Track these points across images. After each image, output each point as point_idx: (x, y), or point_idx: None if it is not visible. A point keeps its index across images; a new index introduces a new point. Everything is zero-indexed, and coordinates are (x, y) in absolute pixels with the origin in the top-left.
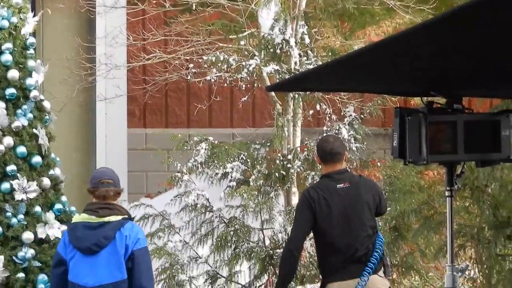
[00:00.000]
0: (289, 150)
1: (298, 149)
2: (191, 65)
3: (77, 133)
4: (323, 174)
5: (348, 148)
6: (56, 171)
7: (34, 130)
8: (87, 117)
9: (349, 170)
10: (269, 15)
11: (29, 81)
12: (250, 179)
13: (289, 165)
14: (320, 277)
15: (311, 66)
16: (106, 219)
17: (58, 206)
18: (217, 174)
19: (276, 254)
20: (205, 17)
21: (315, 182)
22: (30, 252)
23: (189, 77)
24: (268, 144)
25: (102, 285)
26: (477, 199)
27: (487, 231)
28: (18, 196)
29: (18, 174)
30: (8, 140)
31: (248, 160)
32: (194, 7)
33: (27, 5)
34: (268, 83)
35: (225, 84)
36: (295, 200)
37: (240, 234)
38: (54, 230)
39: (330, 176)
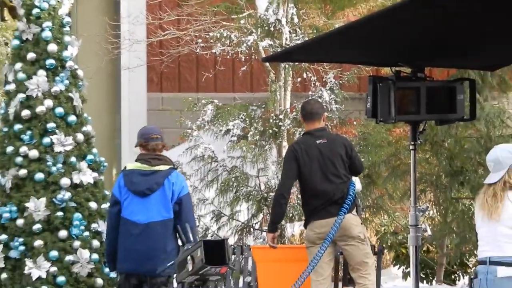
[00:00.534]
0: (281, 111)
1: (288, 110)
2: (200, 40)
3: (105, 96)
4: (305, 132)
5: (329, 109)
6: (88, 128)
7: (70, 94)
8: (113, 83)
9: (328, 129)
10: None
11: (65, 53)
12: (248, 135)
13: (280, 123)
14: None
15: (299, 41)
16: (157, 168)
17: (90, 157)
18: (221, 130)
19: (270, 197)
20: (211, 0)
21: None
22: (67, 195)
23: (198, 50)
24: (263, 106)
25: (151, 222)
26: (435, 152)
27: (444, 178)
28: (57, 148)
29: (56, 131)
30: (48, 102)
31: (247, 119)
32: None
33: None
34: (263, 55)
35: (228, 56)
36: (285, 152)
37: (240, 180)
38: (87, 176)
39: (310, 133)
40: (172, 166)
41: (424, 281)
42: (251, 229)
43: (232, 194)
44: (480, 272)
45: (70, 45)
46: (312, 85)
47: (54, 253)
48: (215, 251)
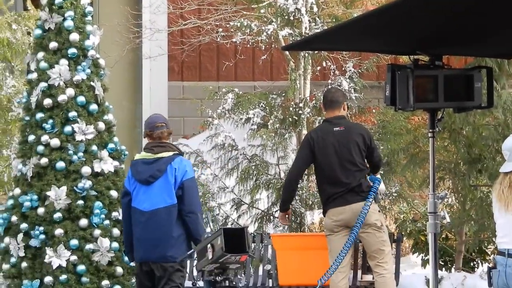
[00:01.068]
0: (300, 99)
1: (308, 98)
2: (220, 29)
3: (126, 85)
4: (324, 119)
5: (348, 98)
6: (109, 117)
7: (91, 83)
8: (134, 72)
9: (347, 118)
10: None
11: (87, 43)
12: (268, 123)
13: (300, 112)
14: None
15: (318, 30)
16: (160, 155)
17: (111, 145)
18: (241, 119)
19: None
20: None
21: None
22: (88, 183)
23: (218, 39)
24: (283, 94)
25: (156, 209)
26: (454, 140)
27: (462, 166)
28: (78, 137)
29: (78, 119)
30: (70, 91)
31: (267, 107)
32: None
33: None
34: (283, 44)
35: (248, 45)
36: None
37: (260, 168)
38: (108, 165)
39: (329, 121)
40: (176, 152)
41: (443, 269)
42: (271, 217)
43: (252, 182)
44: (499, 263)
45: (92, 34)
46: (332, 73)
47: (74, 242)
48: (235, 239)
